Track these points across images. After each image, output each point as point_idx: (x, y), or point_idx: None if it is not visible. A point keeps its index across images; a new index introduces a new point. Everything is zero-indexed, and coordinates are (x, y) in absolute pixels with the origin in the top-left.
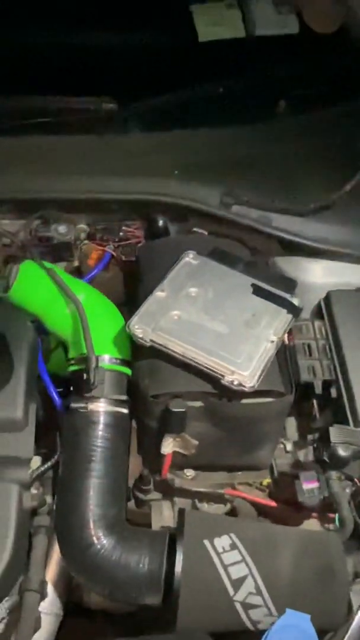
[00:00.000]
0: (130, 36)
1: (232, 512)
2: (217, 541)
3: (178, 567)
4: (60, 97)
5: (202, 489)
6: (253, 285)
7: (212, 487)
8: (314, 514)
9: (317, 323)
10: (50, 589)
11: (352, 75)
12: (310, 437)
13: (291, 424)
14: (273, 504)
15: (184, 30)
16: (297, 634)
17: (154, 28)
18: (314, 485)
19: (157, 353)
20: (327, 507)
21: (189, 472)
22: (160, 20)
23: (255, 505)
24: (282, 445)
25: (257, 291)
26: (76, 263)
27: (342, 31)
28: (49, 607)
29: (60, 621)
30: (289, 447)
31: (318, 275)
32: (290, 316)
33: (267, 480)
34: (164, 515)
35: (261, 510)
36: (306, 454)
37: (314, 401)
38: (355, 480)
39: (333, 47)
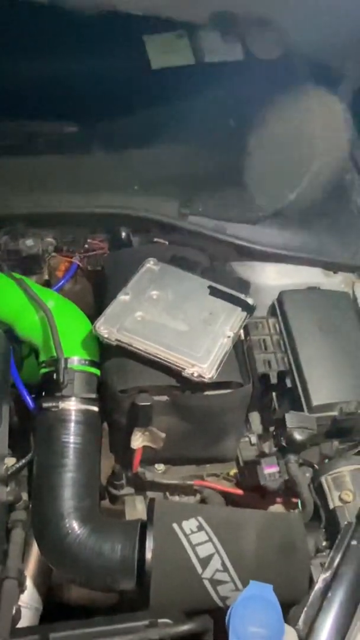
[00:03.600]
0: (90, 65)
1: (202, 503)
2: (184, 524)
3: (148, 550)
4: (26, 121)
5: (172, 482)
6: (210, 287)
7: (182, 479)
8: (279, 500)
9: (271, 320)
10: (29, 583)
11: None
12: (272, 429)
13: (255, 418)
14: (240, 492)
15: (138, 58)
16: (260, 602)
17: (111, 57)
18: (274, 469)
19: (123, 352)
20: (290, 492)
21: (159, 467)
22: (117, 50)
23: (223, 494)
24: (247, 439)
25: (214, 292)
26: (46, 276)
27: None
28: (29, 601)
29: (39, 615)
30: (254, 439)
31: (271, 277)
32: (245, 313)
33: (233, 471)
34: (137, 509)
35: (229, 499)
36: (270, 446)
37: (273, 393)
38: (315, 465)
39: (275, 71)
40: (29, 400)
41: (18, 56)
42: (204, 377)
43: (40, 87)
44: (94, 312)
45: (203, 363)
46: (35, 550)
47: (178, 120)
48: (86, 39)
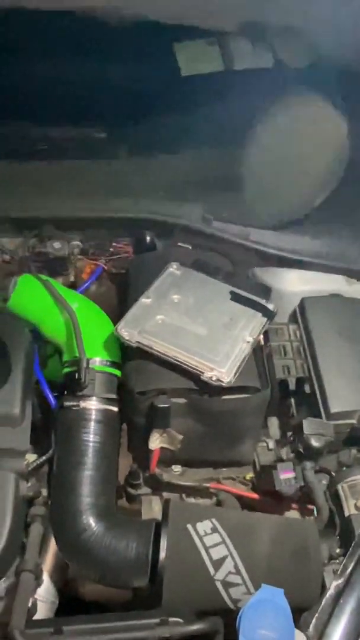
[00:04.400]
0: (121, 72)
1: (218, 506)
2: (199, 525)
3: (162, 549)
4: (56, 127)
5: (188, 483)
6: (231, 292)
7: (198, 481)
8: (294, 506)
9: (292, 327)
10: (46, 577)
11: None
12: (290, 434)
13: (273, 423)
14: (255, 496)
15: (168, 65)
16: (271, 607)
17: (141, 64)
18: (290, 475)
19: (143, 354)
20: (305, 499)
21: (177, 468)
22: (147, 57)
23: (239, 498)
24: (264, 444)
25: (235, 297)
26: (72, 278)
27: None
28: (45, 595)
29: (55, 609)
30: (271, 445)
31: (293, 284)
32: (265, 319)
33: (249, 475)
34: (153, 509)
35: (244, 503)
36: (288, 452)
37: (292, 399)
38: (332, 473)
39: (304, 79)
40: (51, 398)
41: (54, 63)
42: (222, 381)
43: (72, 93)
44: (117, 314)
45: (222, 367)
46: (52, 545)
47: (205, 127)
48: (117, 47)
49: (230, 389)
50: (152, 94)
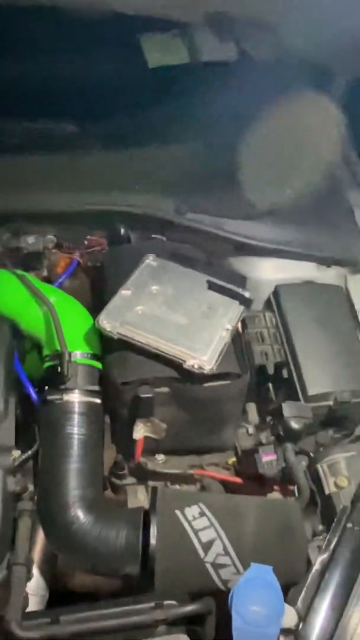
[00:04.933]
0: (88, 64)
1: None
2: (187, 510)
3: (153, 535)
4: (26, 121)
5: (173, 471)
6: (208, 281)
7: (182, 469)
8: (276, 487)
9: (267, 314)
10: (35, 571)
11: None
12: (269, 419)
13: (252, 408)
14: (239, 480)
15: (135, 58)
16: (261, 584)
17: (108, 57)
18: (272, 457)
19: (125, 345)
20: (286, 480)
21: (160, 457)
22: (113, 50)
23: (222, 483)
24: (244, 429)
25: (212, 286)
26: (45, 272)
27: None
28: (35, 588)
29: (45, 602)
30: (251, 430)
31: (267, 272)
32: (242, 307)
33: (232, 460)
34: (138, 498)
35: (228, 488)
36: (267, 436)
37: (270, 384)
38: (310, 454)
39: (269, 71)
40: (32, 393)
41: (18, 57)
42: (204, 369)
43: (40, 87)
44: (94, 307)
45: (203, 355)
46: (40, 539)
47: (175, 119)
48: (83, 39)
49: (211, 376)
50: (121, 86)
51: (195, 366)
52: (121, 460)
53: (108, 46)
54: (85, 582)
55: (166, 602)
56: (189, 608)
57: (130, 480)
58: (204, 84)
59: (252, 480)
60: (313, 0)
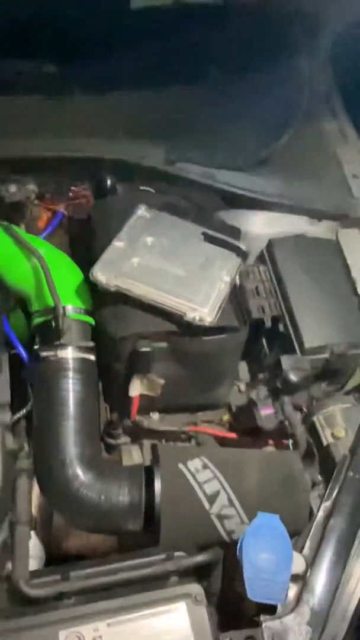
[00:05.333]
0: (69, 2)
1: None
2: (190, 463)
3: (157, 488)
4: (2, 60)
5: (169, 428)
6: (203, 233)
7: (177, 426)
8: (271, 442)
9: (261, 268)
10: (32, 533)
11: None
12: (261, 375)
13: (243, 367)
14: (233, 435)
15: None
16: (269, 531)
17: None
18: (270, 411)
19: (121, 298)
20: (281, 434)
21: (155, 415)
22: None
23: (217, 439)
24: (236, 387)
25: (208, 238)
26: (23, 227)
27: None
28: (33, 551)
29: (43, 565)
30: (242, 387)
31: (258, 226)
32: (239, 259)
33: (226, 417)
34: (133, 458)
35: (223, 444)
36: (257, 393)
37: (263, 340)
38: (303, 408)
39: (255, 17)
40: (22, 352)
41: None
42: (205, 321)
43: (17, 25)
44: (82, 261)
45: (204, 307)
46: (36, 501)
47: (162, 64)
48: None
49: (210, 330)
50: (104, 27)
51: (197, 318)
52: (116, 419)
53: None
54: (80, 544)
55: (176, 554)
56: (200, 558)
57: (124, 439)
58: (188, 25)
59: (247, 435)
60: None
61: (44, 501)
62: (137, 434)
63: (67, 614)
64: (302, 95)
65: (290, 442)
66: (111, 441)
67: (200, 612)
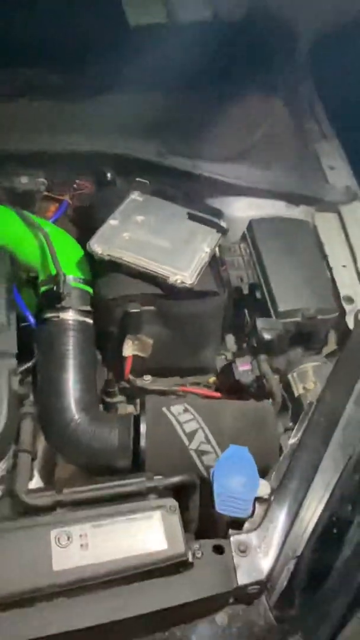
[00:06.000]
0: (73, 20)
1: None
2: (172, 408)
3: (142, 428)
4: (10, 70)
5: (159, 387)
6: (188, 213)
7: (168, 386)
8: (251, 399)
9: (242, 245)
10: (36, 476)
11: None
12: (245, 345)
13: (229, 339)
14: (218, 394)
15: (117, 15)
16: (238, 459)
17: (92, 12)
18: (247, 367)
19: (113, 267)
20: (261, 392)
21: (147, 377)
22: (97, 6)
23: (204, 398)
24: (223, 356)
25: (192, 217)
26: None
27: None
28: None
29: None
30: (230, 356)
31: (241, 210)
32: (219, 234)
33: (212, 379)
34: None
35: None
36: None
37: (245, 311)
38: (281, 370)
39: (241, 32)
40: (30, 318)
41: (8, 11)
42: (186, 283)
43: (30, 38)
44: (81, 243)
45: (185, 271)
46: (40, 447)
47: (153, 72)
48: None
49: (193, 293)
50: (103, 42)
51: (178, 281)
52: (112, 379)
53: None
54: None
55: (156, 477)
56: (177, 478)
57: (120, 398)
58: (178, 40)
59: (230, 394)
60: None
61: (48, 452)
62: (132, 395)
63: (58, 518)
64: (282, 96)
65: (270, 401)
66: (108, 400)
67: (173, 520)
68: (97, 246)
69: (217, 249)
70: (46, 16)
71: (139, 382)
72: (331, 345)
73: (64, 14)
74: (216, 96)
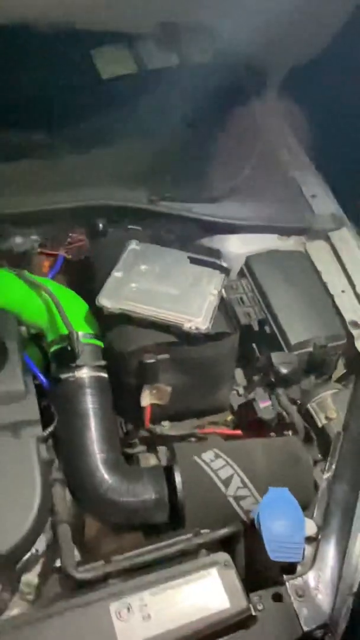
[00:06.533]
0: (50, 78)
1: None
2: (204, 455)
3: (178, 479)
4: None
5: (179, 433)
6: (189, 257)
7: (187, 430)
8: (272, 434)
9: (243, 281)
10: None
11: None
12: (256, 378)
13: (239, 373)
14: (239, 432)
15: (90, 69)
16: (281, 502)
17: (66, 70)
18: (268, 403)
19: (125, 319)
20: (281, 426)
21: (165, 423)
22: (71, 63)
23: (225, 437)
24: (235, 392)
25: (193, 261)
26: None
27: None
28: None
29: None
30: (241, 391)
31: (235, 247)
32: (223, 275)
33: (229, 417)
34: (150, 464)
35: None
36: (255, 392)
37: (254, 345)
38: (298, 401)
39: (210, 73)
40: (42, 377)
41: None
42: (201, 329)
43: (9, 103)
44: (83, 296)
45: (198, 317)
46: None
47: (135, 120)
48: (43, 56)
49: (207, 336)
50: (83, 96)
51: (193, 327)
52: (132, 430)
53: (64, 59)
54: (112, 547)
55: (202, 531)
56: (224, 530)
57: (141, 448)
58: (151, 87)
59: (251, 430)
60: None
61: (75, 509)
62: (152, 443)
63: (114, 589)
64: (259, 133)
65: (290, 433)
66: (129, 451)
67: (231, 575)
68: (107, 300)
69: (223, 288)
70: (22, 77)
71: (158, 429)
72: (340, 370)
73: (40, 74)
74: (197, 138)
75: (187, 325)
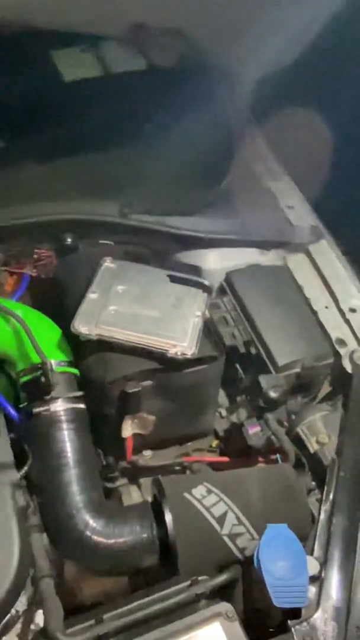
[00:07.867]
0: (10, 80)
1: None
2: (194, 491)
3: (168, 520)
4: None
5: (163, 463)
6: (169, 275)
7: (171, 459)
8: (260, 459)
9: (225, 299)
10: None
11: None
12: (239, 399)
13: (221, 394)
14: (226, 459)
15: (52, 72)
16: (281, 540)
17: (25, 72)
18: (257, 429)
19: (102, 345)
20: (269, 450)
21: (147, 453)
22: (31, 66)
23: (211, 465)
24: (217, 413)
25: (173, 279)
26: None
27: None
28: None
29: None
30: (224, 413)
31: (213, 262)
32: (206, 294)
33: (215, 443)
34: (133, 498)
35: (216, 468)
36: (238, 416)
37: (237, 365)
38: (284, 422)
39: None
40: (12, 411)
41: None
42: (187, 354)
43: None
44: (55, 317)
45: (183, 342)
46: None
47: (102, 127)
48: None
49: (191, 362)
50: (45, 101)
51: (179, 353)
52: (112, 462)
53: (27, 62)
54: (94, 591)
55: (200, 578)
56: (223, 577)
57: (122, 481)
58: (119, 92)
59: (238, 456)
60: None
61: (53, 554)
62: (134, 474)
63: None
64: (233, 143)
65: (278, 456)
66: (109, 485)
67: (235, 627)
68: (82, 326)
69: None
70: None
71: (141, 461)
72: (325, 388)
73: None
74: (169, 148)
75: (172, 351)
